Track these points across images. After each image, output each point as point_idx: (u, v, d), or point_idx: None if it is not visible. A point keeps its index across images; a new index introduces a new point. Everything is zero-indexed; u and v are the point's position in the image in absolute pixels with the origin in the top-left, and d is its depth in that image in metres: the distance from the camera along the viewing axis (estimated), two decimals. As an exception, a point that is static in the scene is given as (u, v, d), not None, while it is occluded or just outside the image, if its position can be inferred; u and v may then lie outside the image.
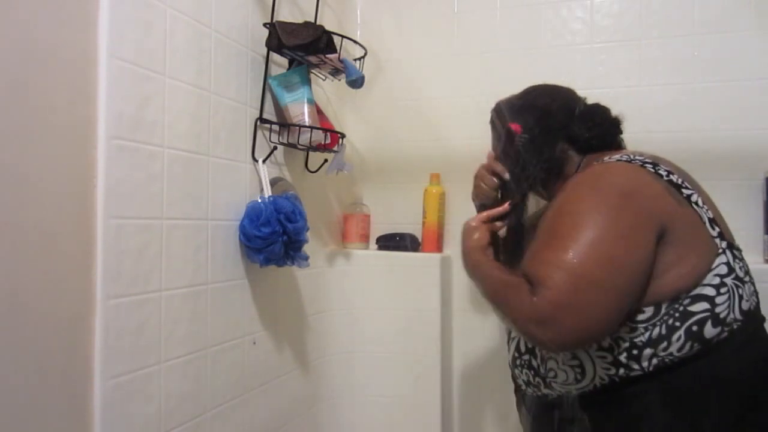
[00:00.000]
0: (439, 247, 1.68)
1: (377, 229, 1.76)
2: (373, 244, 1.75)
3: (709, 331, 0.84)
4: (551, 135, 1.05)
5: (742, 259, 0.91)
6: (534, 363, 0.98)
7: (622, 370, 0.87)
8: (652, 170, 0.92)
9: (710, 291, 0.85)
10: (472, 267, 1.01)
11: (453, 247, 1.70)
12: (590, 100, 1.13)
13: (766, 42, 1.43)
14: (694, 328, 0.84)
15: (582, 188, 0.93)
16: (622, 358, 0.87)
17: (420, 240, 1.70)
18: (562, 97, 1.09)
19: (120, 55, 0.90)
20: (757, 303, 0.92)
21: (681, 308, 0.85)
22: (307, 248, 1.28)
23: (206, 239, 1.11)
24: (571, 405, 0.95)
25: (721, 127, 1.46)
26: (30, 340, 0.78)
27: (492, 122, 1.18)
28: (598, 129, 1.04)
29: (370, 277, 1.67)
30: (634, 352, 0.86)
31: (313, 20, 1.47)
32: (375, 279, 1.66)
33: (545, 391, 0.98)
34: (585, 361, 0.90)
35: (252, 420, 1.26)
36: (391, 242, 1.71)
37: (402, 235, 1.71)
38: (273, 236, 1.15)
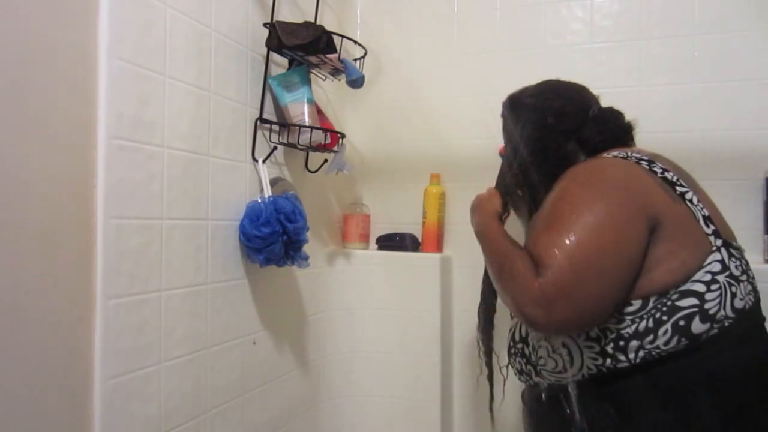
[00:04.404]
0: (439, 247, 1.68)
1: (377, 229, 1.76)
2: (373, 244, 1.75)
3: (697, 326, 0.85)
4: (562, 136, 1.06)
5: (740, 258, 0.92)
6: (526, 351, 1.00)
7: (608, 361, 0.88)
8: (647, 167, 0.94)
9: (700, 287, 0.86)
10: (481, 232, 1.04)
11: (453, 247, 1.70)
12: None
13: (766, 42, 1.44)
14: (681, 322, 0.85)
15: (579, 178, 0.95)
16: (609, 348, 0.88)
17: (420, 240, 1.70)
18: (577, 100, 1.10)
19: (120, 55, 0.90)
20: (755, 303, 0.92)
21: (669, 303, 0.86)
22: (307, 248, 1.28)
23: (206, 239, 1.11)
24: (565, 398, 0.96)
25: (721, 127, 1.46)
26: (30, 339, 0.78)
27: (503, 116, 1.18)
28: (609, 134, 1.05)
29: (370, 277, 1.67)
30: (621, 343, 0.87)
31: (313, 20, 1.47)
32: (375, 279, 1.66)
33: (536, 379, 0.99)
34: (573, 350, 0.91)
35: (252, 420, 1.26)
36: (391, 242, 1.71)
37: (402, 235, 1.71)
38: (273, 236, 1.15)
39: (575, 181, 0.95)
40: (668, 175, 0.93)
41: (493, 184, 1.19)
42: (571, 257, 0.83)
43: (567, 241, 0.84)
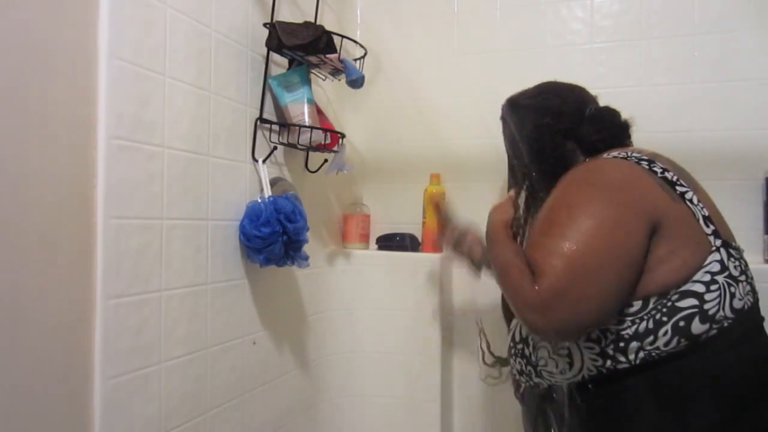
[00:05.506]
0: (439, 247, 1.68)
1: (377, 229, 1.76)
2: (373, 244, 1.75)
3: (697, 327, 0.85)
4: (559, 136, 1.07)
5: (739, 259, 0.92)
6: (526, 351, 1.00)
7: (609, 362, 0.89)
8: (647, 167, 0.94)
9: (700, 287, 0.86)
10: (490, 241, 1.04)
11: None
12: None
13: (766, 42, 1.44)
14: (681, 323, 0.85)
15: (577, 181, 0.95)
16: (609, 350, 0.88)
17: (420, 240, 1.70)
18: (573, 99, 1.10)
19: (120, 55, 0.90)
20: (754, 303, 0.92)
21: (669, 303, 0.86)
22: (307, 248, 1.28)
23: (206, 239, 1.11)
24: (563, 398, 0.96)
25: (721, 127, 1.46)
26: (30, 339, 0.78)
27: (503, 118, 1.18)
28: (606, 132, 1.05)
29: (370, 277, 1.67)
30: (621, 344, 0.87)
31: (313, 20, 1.47)
32: (375, 279, 1.66)
33: (536, 380, 0.99)
34: (574, 351, 0.91)
35: (252, 420, 1.26)
36: (391, 242, 1.71)
37: (402, 235, 1.71)
38: (273, 236, 1.15)
39: (574, 183, 0.95)
40: (668, 175, 0.93)
41: (494, 184, 1.19)
42: (567, 262, 0.83)
43: (563, 247, 0.84)
